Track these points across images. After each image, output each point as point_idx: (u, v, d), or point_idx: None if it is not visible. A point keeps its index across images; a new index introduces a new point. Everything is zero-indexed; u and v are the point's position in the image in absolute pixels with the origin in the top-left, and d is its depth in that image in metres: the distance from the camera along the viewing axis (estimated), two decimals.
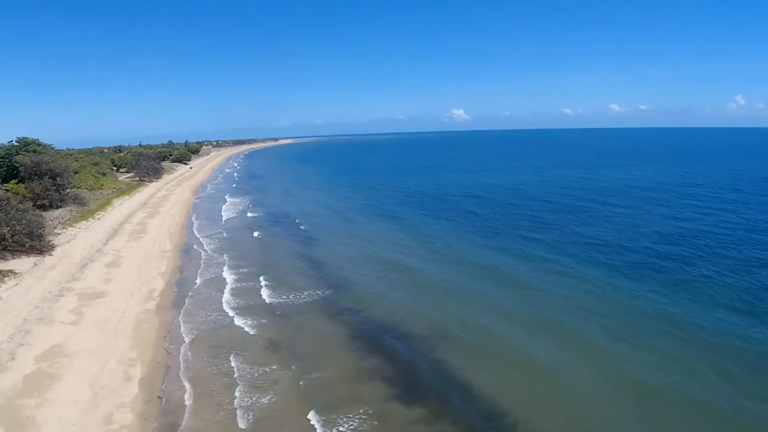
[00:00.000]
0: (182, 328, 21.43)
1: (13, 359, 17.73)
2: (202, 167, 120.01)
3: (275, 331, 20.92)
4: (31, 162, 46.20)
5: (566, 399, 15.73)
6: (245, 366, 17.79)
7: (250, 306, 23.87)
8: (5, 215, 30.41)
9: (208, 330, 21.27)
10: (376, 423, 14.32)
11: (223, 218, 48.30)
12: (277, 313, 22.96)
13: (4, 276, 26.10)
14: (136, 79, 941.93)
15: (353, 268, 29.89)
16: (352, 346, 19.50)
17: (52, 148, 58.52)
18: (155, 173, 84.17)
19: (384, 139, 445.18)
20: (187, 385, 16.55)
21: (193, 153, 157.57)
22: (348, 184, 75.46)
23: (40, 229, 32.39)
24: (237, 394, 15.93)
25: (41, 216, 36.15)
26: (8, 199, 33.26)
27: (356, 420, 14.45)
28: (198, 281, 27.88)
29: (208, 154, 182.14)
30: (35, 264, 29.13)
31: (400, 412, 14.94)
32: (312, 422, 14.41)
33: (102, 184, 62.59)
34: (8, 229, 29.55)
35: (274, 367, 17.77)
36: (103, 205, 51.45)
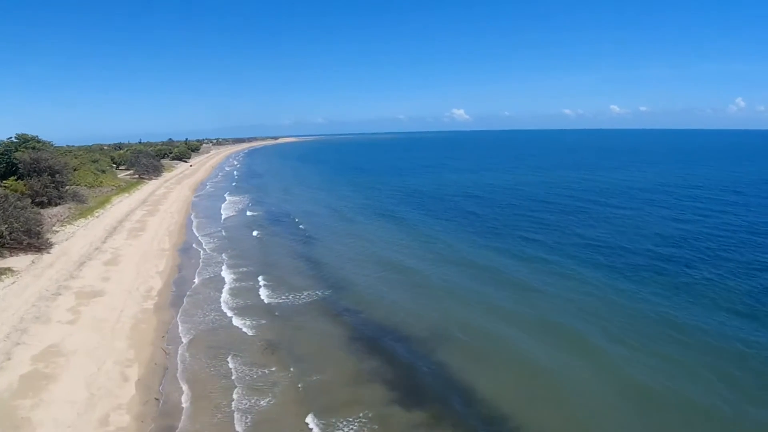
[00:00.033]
0: (180, 328, 21.27)
1: (9, 359, 17.55)
2: (202, 165, 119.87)
3: (274, 332, 20.75)
4: (30, 159, 45.98)
5: (567, 403, 15.60)
6: (243, 367, 17.62)
7: (248, 306, 23.70)
8: (3, 212, 30.21)
9: (206, 330, 21.10)
10: (376, 427, 14.15)
11: (223, 217, 48.14)
12: (276, 313, 22.79)
13: (1, 274, 25.91)
14: (137, 77, 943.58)
15: (353, 268, 29.73)
16: (352, 347, 19.34)
17: (52, 145, 58.38)
18: (155, 171, 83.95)
19: (384, 138, 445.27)
20: (184, 387, 16.38)
21: (193, 151, 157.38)
22: (348, 183, 75.31)
23: (38, 226, 32.20)
24: (235, 396, 15.76)
25: (39, 213, 35.95)
26: (6, 196, 33.06)
27: (356, 424, 14.27)
28: (196, 280, 27.71)
29: (208, 152, 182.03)
30: (33, 262, 28.94)
31: (401, 415, 14.77)
32: (310, 426, 14.24)
33: (101, 182, 62.34)
34: (6, 226, 29.36)
35: (273, 368, 17.60)
36: (102, 202, 51.25)
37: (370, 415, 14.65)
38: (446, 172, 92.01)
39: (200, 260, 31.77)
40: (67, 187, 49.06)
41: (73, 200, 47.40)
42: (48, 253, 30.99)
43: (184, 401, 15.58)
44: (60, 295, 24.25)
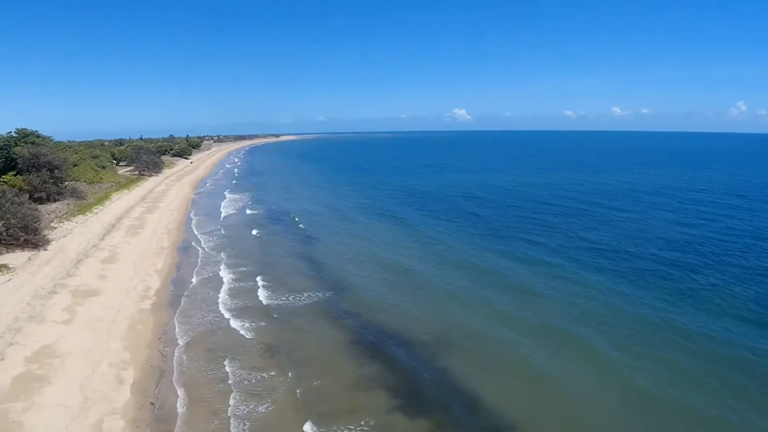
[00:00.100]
0: (177, 329, 20.90)
1: (2, 359, 17.20)
2: (202, 162, 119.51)
3: (272, 335, 20.39)
4: (29, 154, 45.62)
5: (571, 411, 15.31)
6: (241, 371, 17.26)
7: (247, 307, 23.33)
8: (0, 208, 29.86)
9: (203, 332, 20.72)
10: None
11: (222, 215, 47.78)
12: (275, 315, 22.41)
13: None
14: (138, 73, 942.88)
15: (353, 269, 29.37)
16: (352, 352, 18.97)
17: (51, 140, 57.93)
18: (155, 167, 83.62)
19: (386, 137, 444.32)
20: (180, 391, 16.02)
21: (194, 147, 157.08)
22: (349, 183, 74.93)
23: (35, 222, 31.84)
24: (232, 401, 15.40)
25: (37, 209, 35.57)
26: (3, 191, 32.70)
27: None
28: (195, 280, 27.35)
29: (209, 149, 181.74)
30: (29, 259, 28.58)
31: (402, 423, 14.41)
32: None
33: (101, 178, 62.01)
34: (2, 222, 29.01)
35: (272, 373, 17.24)
36: (102, 199, 50.89)
37: (371, 423, 14.29)
38: (448, 172, 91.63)
39: (199, 259, 31.42)
40: (67, 183, 48.75)
41: (72, 196, 47.03)
42: (45, 250, 30.66)
43: (180, 406, 15.22)
44: (56, 293, 23.90)
